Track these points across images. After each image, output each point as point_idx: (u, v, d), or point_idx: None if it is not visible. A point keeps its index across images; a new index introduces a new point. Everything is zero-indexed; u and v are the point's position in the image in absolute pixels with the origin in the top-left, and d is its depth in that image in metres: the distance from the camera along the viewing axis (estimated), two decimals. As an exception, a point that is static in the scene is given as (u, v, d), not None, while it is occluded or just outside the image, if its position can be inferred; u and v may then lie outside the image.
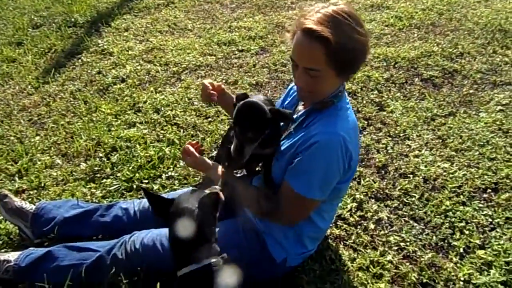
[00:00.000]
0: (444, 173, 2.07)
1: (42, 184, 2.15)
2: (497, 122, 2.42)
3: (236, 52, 3.37)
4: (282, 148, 1.37)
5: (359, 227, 1.82)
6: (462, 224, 1.80)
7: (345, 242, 1.75)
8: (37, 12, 4.35)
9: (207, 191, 1.28)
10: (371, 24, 3.72)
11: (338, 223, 1.83)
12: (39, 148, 2.42)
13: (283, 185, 1.34)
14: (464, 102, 2.65)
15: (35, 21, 4.15)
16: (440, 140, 2.31)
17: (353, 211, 1.88)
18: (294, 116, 1.41)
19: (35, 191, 2.11)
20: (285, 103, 1.56)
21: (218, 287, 1.12)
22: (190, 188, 1.43)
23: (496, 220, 1.81)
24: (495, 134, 2.33)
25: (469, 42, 3.35)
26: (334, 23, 1.18)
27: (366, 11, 4.03)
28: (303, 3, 4.17)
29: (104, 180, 2.14)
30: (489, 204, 1.91)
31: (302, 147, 1.28)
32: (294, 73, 1.30)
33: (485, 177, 2.04)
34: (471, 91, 2.75)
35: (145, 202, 1.79)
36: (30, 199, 2.01)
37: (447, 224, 1.80)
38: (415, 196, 1.95)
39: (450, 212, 1.85)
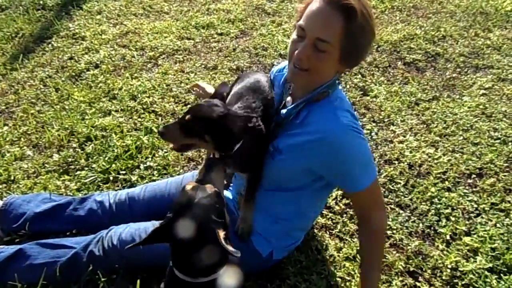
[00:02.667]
0: (429, 159, 2.05)
1: (12, 178, 2.02)
2: (480, 106, 2.42)
3: (215, 36, 3.24)
4: (280, 145, 1.28)
5: (344, 215, 1.79)
6: (448, 210, 1.78)
7: (331, 231, 1.71)
8: (2, -6, 4.09)
9: (208, 190, 1.09)
10: None
11: (323, 212, 1.79)
12: (7, 139, 2.27)
13: (358, 198, 1.29)
14: (447, 86, 2.64)
15: (0, 3, 3.89)
16: (425, 125, 2.29)
17: (338, 199, 1.84)
18: (284, 110, 1.30)
19: (5, 185, 1.98)
20: (279, 82, 1.45)
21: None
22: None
23: (482, 206, 1.81)
24: (478, 118, 2.33)
25: (451, 25, 3.33)
26: (362, 2, 1.12)
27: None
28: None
29: (79, 172, 2.02)
30: (474, 189, 1.90)
31: (311, 154, 1.21)
32: (297, 45, 1.16)
33: (470, 162, 2.03)
34: (454, 75, 2.73)
35: (121, 193, 1.70)
36: (-1, 194, 1.89)
37: (433, 211, 1.79)
38: (400, 183, 1.92)
39: (436, 199, 1.84)
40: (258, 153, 1.32)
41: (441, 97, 2.52)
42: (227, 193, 1.56)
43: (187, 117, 1.20)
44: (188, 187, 1.09)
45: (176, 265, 1.06)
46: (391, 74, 2.75)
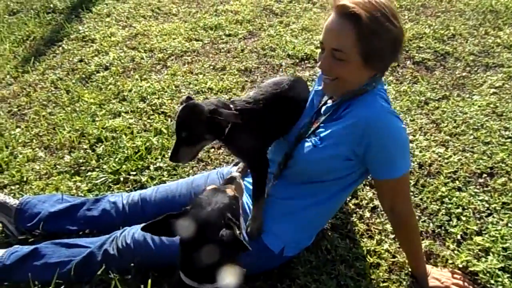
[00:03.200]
0: (439, 158, 2.04)
1: (25, 179, 2.05)
2: (491, 105, 2.39)
3: (223, 37, 3.26)
4: (321, 134, 1.31)
5: (354, 215, 1.78)
6: (459, 210, 1.77)
7: (341, 231, 1.71)
8: (13, -2, 4.15)
9: (229, 192, 1.16)
10: None
11: (333, 212, 1.78)
12: (20, 140, 2.31)
13: (390, 186, 1.29)
14: (457, 85, 2.61)
15: (11, 7, 3.95)
16: (434, 125, 2.28)
17: (348, 199, 1.84)
18: (324, 107, 1.34)
19: (17, 186, 2.01)
20: (313, 91, 1.50)
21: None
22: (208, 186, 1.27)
23: (493, 206, 1.79)
24: (489, 117, 2.31)
25: (461, 23, 3.30)
26: (370, 6, 1.14)
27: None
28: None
29: (90, 173, 2.05)
30: (485, 189, 1.88)
31: (353, 136, 1.23)
32: (320, 58, 1.26)
33: (481, 161, 2.01)
34: (464, 74, 2.71)
35: (133, 195, 1.73)
36: (12, 195, 1.92)
37: (443, 210, 1.78)
38: (410, 183, 1.91)
39: (446, 198, 1.83)
40: (257, 140, 1.37)
41: (451, 96, 2.50)
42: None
43: (183, 134, 1.24)
44: (209, 187, 1.18)
45: (183, 267, 1.06)
46: (400, 73, 2.74)
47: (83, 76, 2.86)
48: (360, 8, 1.14)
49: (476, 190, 1.87)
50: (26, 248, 1.53)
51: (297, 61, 2.90)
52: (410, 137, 2.18)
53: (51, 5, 3.92)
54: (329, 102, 1.38)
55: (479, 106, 2.39)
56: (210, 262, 1.00)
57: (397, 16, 1.19)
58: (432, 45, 3.00)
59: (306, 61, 2.90)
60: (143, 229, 1.07)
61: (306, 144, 1.33)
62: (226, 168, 1.75)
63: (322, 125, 1.33)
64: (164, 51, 3.09)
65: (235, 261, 1.06)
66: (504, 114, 2.33)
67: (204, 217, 1.04)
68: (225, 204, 1.08)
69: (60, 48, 3.25)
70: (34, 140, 2.32)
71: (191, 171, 2.03)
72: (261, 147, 1.42)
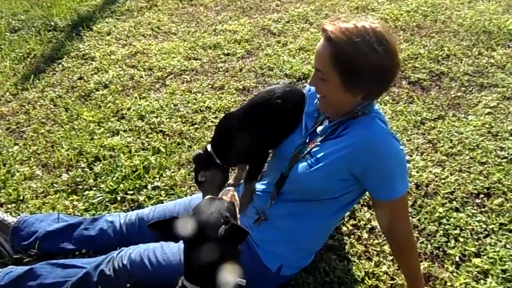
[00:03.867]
0: (436, 179, 2.05)
1: (21, 197, 2.04)
2: (486, 125, 2.42)
3: (222, 56, 3.30)
4: (317, 154, 1.32)
5: (352, 236, 1.78)
6: (457, 231, 1.77)
7: (338, 252, 1.70)
8: (15, 16, 4.20)
9: (225, 199, 1.27)
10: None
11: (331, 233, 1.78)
12: (17, 158, 2.31)
13: (389, 207, 1.30)
14: (452, 105, 2.65)
15: (13, 25, 4.00)
16: (431, 145, 2.30)
17: (346, 220, 1.84)
18: (320, 128, 1.37)
19: (14, 204, 2.00)
20: (306, 108, 1.52)
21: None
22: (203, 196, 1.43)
23: (490, 227, 1.79)
24: (484, 137, 2.33)
25: (455, 44, 3.37)
26: (349, 32, 1.18)
27: (352, 14, 4.02)
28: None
29: (87, 192, 2.04)
30: (482, 210, 1.89)
31: (352, 157, 1.25)
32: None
33: (477, 182, 2.02)
34: (459, 94, 2.75)
35: (131, 214, 1.73)
36: (8, 213, 1.90)
37: (441, 231, 1.78)
38: (408, 203, 1.92)
39: (444, 219, 1.83)
40: (252, 143, 1.46)
41: (446, 116, 2.53)
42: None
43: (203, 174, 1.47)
44: (207, 196, 1.29)
45: (187, 270, 1.12)
46: (396, 93, 2.78)
47: (82, 94, 2.88)
48: (339, 32, 1.18)
49: (473, 210, 1.88)
50: (21, 269, 1.51)
51: (295, 80, 2.94)
52: (407, 157, 2.20)
53: (52, 23, 3.97)
54: (326, 122, 1.39)
55: (474, 126, 2.41)
56: (212, 261, 1.07)
57: (384, 43, 1.19)
58: (427, 65, 3.05)
59: (303, 81, 2.93)
60: (149, 226, 1.11)
61: (302, 164, 1.35)
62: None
63: (318, 144, 1.34)
64: (163, 69, 3.12)
65: (236, 259, 1.13)
66: (499, 134, 2.35)
67: (205, 218, 1.13)
68: (223, 207, 1.19)
69: (60, 65, 3.28)
70: (32, 158, 2.32)
71: (188, 190, 2.03)
72: (256, 148, 1.50)
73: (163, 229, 1.13)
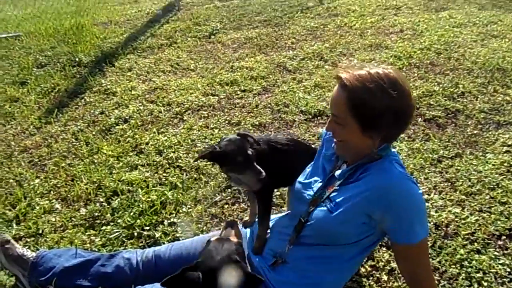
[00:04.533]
0: (456, 219, 2.01)
1: (40, 231, 2.07)
2: (505, 164, 2.38)
3: (239, 92, 3.38)
4: (337, 199, 1.33)
5: (371, 278, 1.74)
6: (479, 274, 1.71)
7: (357, 295, 1.66)
8: (42, 52, 4.43)
9: (232, 240, 1.29)
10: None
11: (348, 274, 1.74)
12: (38, 191, 2.36)
13: (409, 252, 1.28)
14: (469, 142, 2.63)
15: (40, 60, 4.21)
16: (449, 183, 2.26)
17: (364, 261, 1.80)
18: (338, 172, 1.39)
19: (33, 238, 2.03)
20: (324, 152, 1.55)
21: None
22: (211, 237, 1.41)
23: (515, 271, 1.73)
24: (504, 176, 2.29)
25: (469, 81, 3.38)
26: (363, 79, 1.22)
27: (365, 51, 4.10)
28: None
29: (104, 227, 2.06)
30: (505, 252, 1.83)
31: (370, 201, 1.25)
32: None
33: (498, 222, 1.97)
34: (475, 132, 2.73)
35: (148, 251, 1.72)
36: (27, 247, 1.93)
37: (463, 274, 1.72)
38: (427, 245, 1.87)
39: (466, 261, 1.78)
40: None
41: (464, 154, 2.51)
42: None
43: None
44: (214, 238, 1.29)
45: None
46: (412, 130, 2.78)
47: (103, 128, 2.97)
48: (353, 79, 1.23)
49: (496, 253, 1.82)
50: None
51: (310, 117, 2.97)
52: (425, 196, 2.17)
53: (77, 59, 4.17)
54: (344, 166, 1.40)
55: (493, 165, 2.38)
56: None
57: (398, 87, 1.22)
58: (442, 103, 3.06)
59: (318, 117, 2.97)
60: (162, 284, 1.11)
61: (322, 209, 1.35)
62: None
63: (337, 189, 1.35)
64: (182, 105, 3.21)
65: None
66: (519, 173, 2.31)
67: (216, 265, 1.14)
68: (232, 250, 1.20)
69: (83, 100, 3.41)
70: (51, 192, 2.37)
71: (204, 227, 2.03)
72: (269, 183, 1.51)
73: (176, 282, 1.13)
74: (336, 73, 1.28)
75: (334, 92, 1.29)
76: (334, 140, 1.38)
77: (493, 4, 5.47)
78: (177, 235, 1.99)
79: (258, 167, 1.40)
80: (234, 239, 1.31)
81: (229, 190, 2.28)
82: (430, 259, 1.80)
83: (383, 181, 1.26)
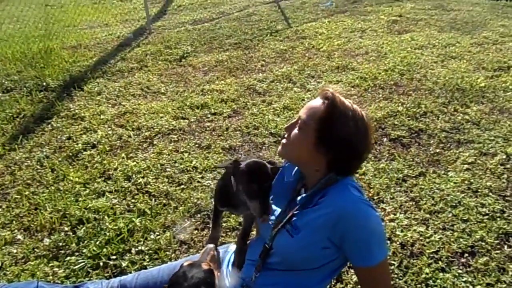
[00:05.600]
0: (421, 238, 2.06)
1: (0, 264, 1.98)
2: (466, 182, 2.48)
3: (209, 115, 3.40)
4: (297, 223, 1.34)
5: (341, 300, 1.75)
6: (443, 293, 1.76)
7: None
8: (8, 76, 4.32)
9: (204, 266, 1.27)
10: (338, 85, 3.89)
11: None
12: (-1, 222, 2.27)
13: (369, 274, 1.29)
14: (432, 161, 2.73)
15: (5, 85, 4.10)
16: (414, 202, 2.34)
17: (332, 283, 1.82)
18: (298, 198, 1.41)
19: (-9, 272, 1.94)
20: (284, 176, 1.55)
21: None
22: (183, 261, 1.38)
23: (477, 287, 1.79)
24: (465, 194, 2.39)
25: (431, 101, 3.54)
26: (346, 106, 1.30)
27: (333, 73, 4.23)
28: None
29: (68, 258, 1.99)
30: (468, 269, 1.89)
31: (328, 225, 1.27)
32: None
33: (461, 240, 2.04)
34: (437, 150, 2.84)
35: (113, 281, 1.67)
36: (-16, 283, 1.84)
37: (428, 293, 1.77)
38: (394, 264, 1.91)
39: (431, 280, 1.82)
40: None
41: (427, 173, 2.60)
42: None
43: None
44: (186, 263, 1.28)
45: None
46: (378, 150, 2.86)
47: (70, 154, 2.90)
48: (338, 101, 1.29)
49: (459, 270, 1.88)
50: None
51: (279, 139, 3.02)
52: (391, 216, 2.23)
53: (44, 83, 4.08)
54: (303, 191, 1.43)
55: (454, 183, 2.48)
56: None
57: (366, 129, 1.31)
58: (406, 122, 3.18)
59: (288, 139, 3.01)
60: None
61: (283, 234, 1.36)
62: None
63: (297, 213, 1.37)
64: (151, 129, 3.19)
65: None
66: (479, 190, 2.41)
67: None
68: (201, 279, 1.18)
69: (49, 125, 3.33)
70: (14, 222, 2.28)
71: (173, 255, 2.00)
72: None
73: None
74: (325, 89, 1.34)
75: (314, 102, 1.34)
76: (283, 141, 1.40)
77: (451, 26, 5.80)
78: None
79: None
80: (205, 266, 1.29)
81: (199, 215, 2.26)
82: (397, 280, 1.84)
83: (337, 205, 1.28)
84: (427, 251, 1.98)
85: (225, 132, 3.12)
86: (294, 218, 1.36)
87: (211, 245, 1.42)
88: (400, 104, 3.49)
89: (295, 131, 1.35)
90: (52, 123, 3.36)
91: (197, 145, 2.95)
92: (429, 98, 3.61)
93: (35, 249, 2.07)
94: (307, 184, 1.42)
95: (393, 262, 1.93)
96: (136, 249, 2.03)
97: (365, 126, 1.32)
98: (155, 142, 3.02)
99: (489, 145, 2.87)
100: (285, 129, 1.41)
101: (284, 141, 1.40)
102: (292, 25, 6.02)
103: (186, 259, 1.74)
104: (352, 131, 1.29)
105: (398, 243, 2.03)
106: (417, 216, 2.22)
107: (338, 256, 1.36)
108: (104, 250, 2.02)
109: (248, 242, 1.54)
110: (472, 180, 2.50)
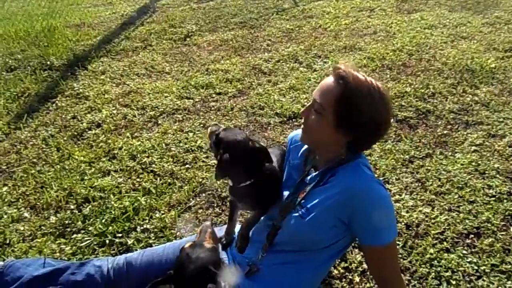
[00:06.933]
0: (426, 218, 2.06)
1: (8, 241, 2.01)
2: (473, 163, 2.45)
3: (214, 95, 3.36)
4: (307, 204, 1.34)
5: (344, 280, 1.76)
6: (448, 273, 1.76)
7: (330, 297, 1.68)
8: (12, 55, 4.29)
9: (206, 245, 1.28)
10: (349, 61, 3.83)
11: (322, 276, 1.76)
12: (6, 200, 2.29)
13: (378, 253, 1.29)
14: (439, 143, 2.70)
15: (9, 64, 4.08)
16: (420, 183, 2.32)
17: (337, 262, 1.82)
18: (307, 177, 1.40)
19: (0, 248, 1.96)
20: (290, 159, 1.55)
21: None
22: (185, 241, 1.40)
23: (482, 268, 1.78)
24: (472, 175, 2.36)
25: (440, 82, 3.47)
26: (360, 81, 1.24)
27: (340, 53, 4.16)
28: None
29: (75, 235, 2.02)
30: (473, 250, 1.89)
31: (339, 204, 1.26)
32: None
33: (467, 221, 2.03)
34: (445, 132, 2.80)
35: (119, 258, 1.69)
36: (-7, 258, 1.87)
37: (433, 274, 1.76)
38: (399, 244, 1.91)
39: (435, 261, 1.82)
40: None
41: (434, 154, 2.57)
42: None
43: None
44: (187, 245, 1.27)
45: None
46: (385, 131, 2.82)
47: (75, 133, 2.90)
48: (352, 78, 1.24)
49: (464, 251, 1.88)
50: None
51: (285, 119, 2.99)
52: (397, 197, 2.21)
53: (48, 62, 4.06)
54: (312, 171, 1.41)
55: (461, 164, 2.45)
56: None
57: (386, 102, 1.26)
58: (413, 103, 3.13)
59: (293, 120, 2.98)
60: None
61: (294, 215, 1.35)
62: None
63: (307, 194, 1.36)
64: (156, 109, 3.17)
65: None
66: (487, 172, 2.39)
67: (188, 277, 1.13)
68: (206, 259, 1.19)
69: (54, 105, 3.32)
70: (20, 200, 2.30)
71: (178, 233, 2.01)
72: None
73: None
74: (336, 66, 1.29)
75: (327, 82, 1.29)
76: (302, 127, 1.37)
77: (462, 6, 5.64)
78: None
79: None
80: (208, 244, 1.29)
81: (203, 194, 2.27)
82: (402, 260, 1.84)
83: (349, 184, 1.27)
84: (432, 232, 1.97)
85: (230, 112, 3.09)
86: (304, 200, 1.35)
87: (207, 223, 1.45)
88: (408, 84, 3.43)
89: (313, 116, 1.31)
90: (57, 102, 3.35)
91: (201, 125, 2.93)
92: (437, 79, 3.53)
93: (42, 227, 2.09)
94: (318, 162, 1.41)
95: (398, 242, 1.93)
96: (142, 227, 2.04)
97: (382, 98, 1.27)
98: (159, 122, 3.00)
99: (498, 127, 2.83)
100: (301, 114, 1.37)
101: (302, 127, 1.37)
102: (299, 3, 5.89)
103: (187, 239, 1.75)
104: (371, 108, 1.25)
105: (403, 223, 2.03)
106: (423, 197, 2.20)
107: (345, 235, 1.35)
108: (110, 228, 2.03)
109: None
110: (479, 162, 2.47)
